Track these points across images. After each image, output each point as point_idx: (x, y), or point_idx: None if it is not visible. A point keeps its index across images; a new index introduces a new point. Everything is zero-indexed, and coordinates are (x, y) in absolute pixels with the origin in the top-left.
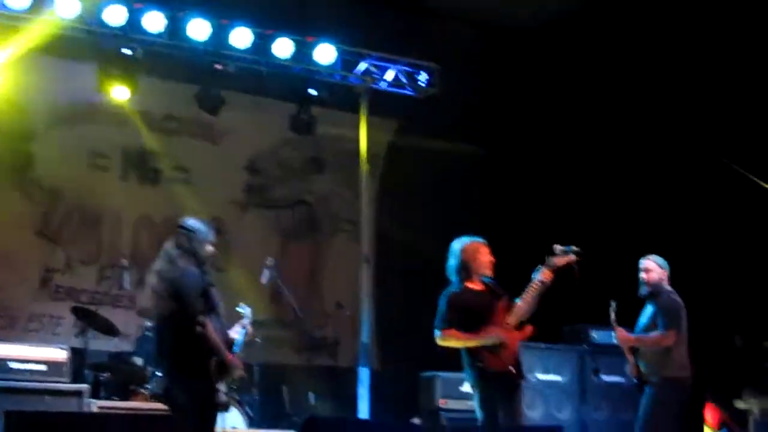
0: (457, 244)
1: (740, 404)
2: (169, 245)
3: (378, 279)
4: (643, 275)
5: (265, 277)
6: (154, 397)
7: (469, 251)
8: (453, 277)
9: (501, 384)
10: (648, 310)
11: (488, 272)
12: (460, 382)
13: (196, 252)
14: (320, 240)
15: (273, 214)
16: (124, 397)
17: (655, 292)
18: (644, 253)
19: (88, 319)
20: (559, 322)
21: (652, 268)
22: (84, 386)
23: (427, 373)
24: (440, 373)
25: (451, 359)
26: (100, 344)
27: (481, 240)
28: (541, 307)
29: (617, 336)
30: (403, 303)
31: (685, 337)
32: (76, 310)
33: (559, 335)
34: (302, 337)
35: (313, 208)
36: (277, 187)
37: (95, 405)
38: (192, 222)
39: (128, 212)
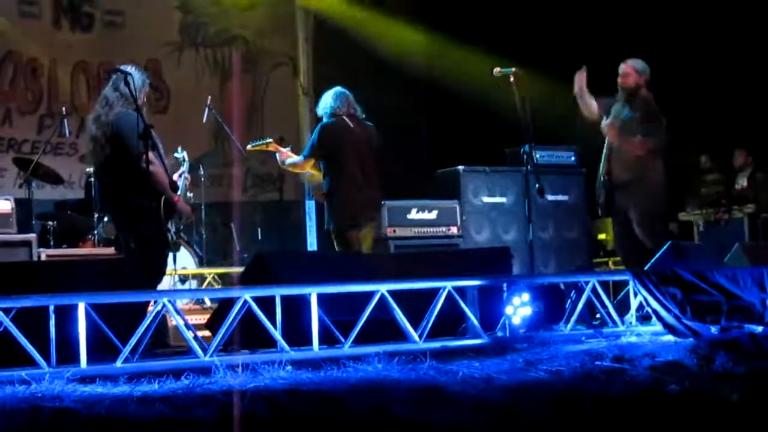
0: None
1: (684, 216)
2: (106, 90)
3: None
4: (620, 80)
5: (205, 116)
6: (102, 243)
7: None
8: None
9: None
10: (622, 113)
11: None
12: (407, 209)
13: (133, 95)
14: (259, 76)
15: (209, 52)
16: (73, 245)
17: (632, 98)
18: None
19: (31, 169)
20: (501, 145)
21: (629, 72)
22: (31, 236)
23: None
24: (387, 202)
25: (397, 188)
26: (46, 194)
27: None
28: (483, 131)
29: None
30: None
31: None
32: (17, 161)
33: (502, 158)
34: (247, 173)
35: (249, 44)
36: (211, 24)
37: (44, 254)
38: (126, 66)
39: (64, 59)
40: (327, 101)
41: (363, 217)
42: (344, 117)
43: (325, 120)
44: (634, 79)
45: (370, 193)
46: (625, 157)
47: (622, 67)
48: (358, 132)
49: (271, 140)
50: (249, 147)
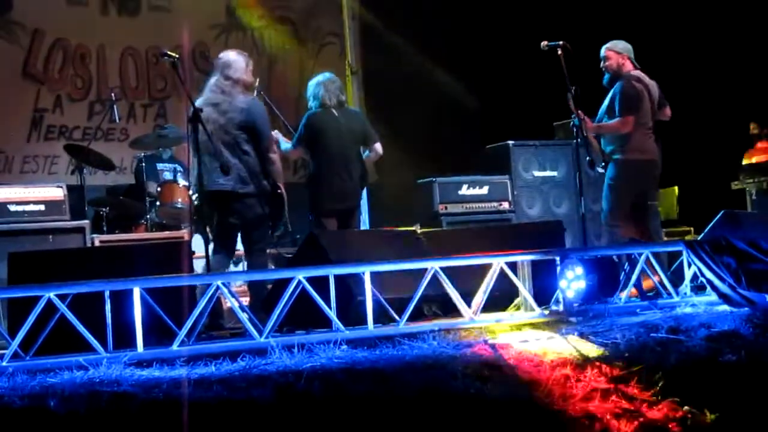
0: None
1: (736, 185)
2: (214, 79)
3: (367, 89)
4: (603, 64)
5: None
6: (155, 227)
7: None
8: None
9: None
10: (609, 96)
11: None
12: (458, 185)
13: (241, 81)
14: (306, 56)
15: (257, 33)
16: (125, 230)
17: (615, 79)
18: (636, 42)
19: (83, 156)
20: (550, 119)
21: (610, 55)
22: (85, 222)
23: (424, 180)
24: (437, 179)
25: (447, 164)
26: (97, 179)
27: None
28: (532, 105)
29: (581, 123)
30: (392, 112)
31: (646, 121)
32: (69, 148)
33: (551, 132)
34: None
35: (296, 24)
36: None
37: (97, 239)
38: (225, 54)
39: (112, 45)
40: (313, 90)
41: (340, 206)
42: (331, 108)
43: (312, 109)
44: (616, 61)
45: (349, 183)
46: (608, 140)
47: (602, 53)
48: (342, 122)
49: None
50: None
